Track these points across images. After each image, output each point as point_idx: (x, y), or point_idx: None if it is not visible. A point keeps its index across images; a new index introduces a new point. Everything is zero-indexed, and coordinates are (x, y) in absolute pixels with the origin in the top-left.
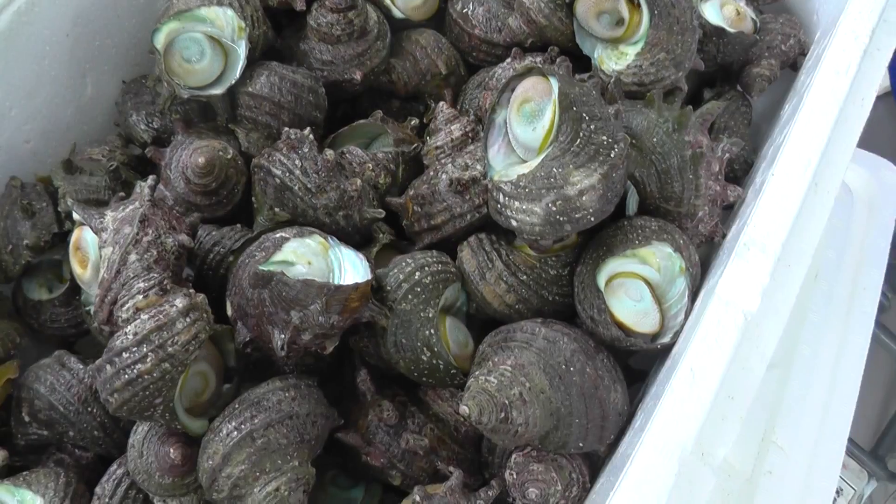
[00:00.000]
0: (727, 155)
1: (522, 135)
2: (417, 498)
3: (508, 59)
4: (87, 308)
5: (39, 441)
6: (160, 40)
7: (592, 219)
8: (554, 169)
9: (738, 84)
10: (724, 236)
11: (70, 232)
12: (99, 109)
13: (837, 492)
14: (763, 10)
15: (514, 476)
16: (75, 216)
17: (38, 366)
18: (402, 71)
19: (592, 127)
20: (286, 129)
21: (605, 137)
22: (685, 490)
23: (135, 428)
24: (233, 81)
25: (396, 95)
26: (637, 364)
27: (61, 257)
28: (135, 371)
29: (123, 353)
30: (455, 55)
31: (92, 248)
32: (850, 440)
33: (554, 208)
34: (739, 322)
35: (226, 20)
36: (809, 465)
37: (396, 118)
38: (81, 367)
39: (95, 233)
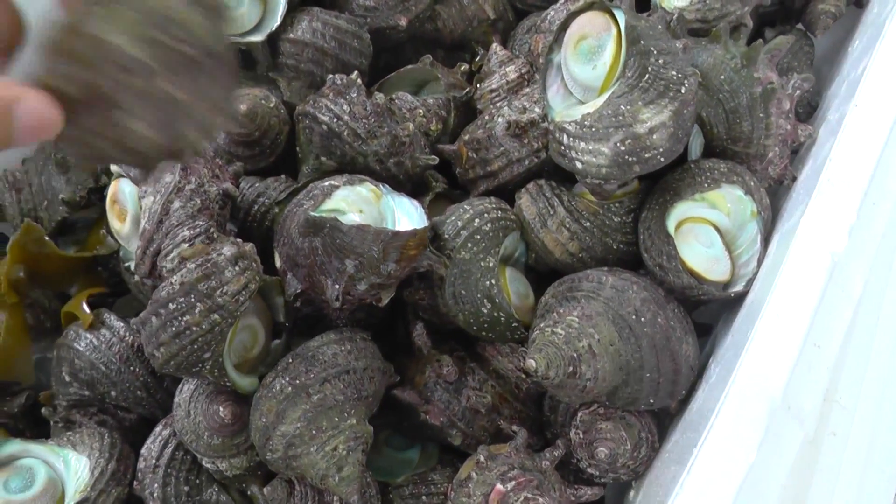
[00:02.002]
0: (798, 91)
1: (581, 74)
2: (482, 458)
3: (561, 1)
4: (127, 265)
5: (81, 401)
6: None
7: (662, 159)
8: (622, 106)
9: (799, 22)
10: (794, 179)
11: (105, 187)
12: None
13: None
14: None
15: (581, 435)
16: (113, 168)
17: (77, 324)
18: (448, 17)
19: (661, 61)
20: (331, 75)
21: (674, 72)
22: (774, 445)
23: (180, 387)
24: (273, 28)
25: (442, 44)
26: (700, 317)
27: (95, 216)
28: (182, 323)
29: (170, 304)
30: (503, 0)
31: (130, 200)
32: None
33: (622, 147)
34: (826, 263)
35: None
36: (874, 425)
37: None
38: (122, 324)
39: (135, 183)
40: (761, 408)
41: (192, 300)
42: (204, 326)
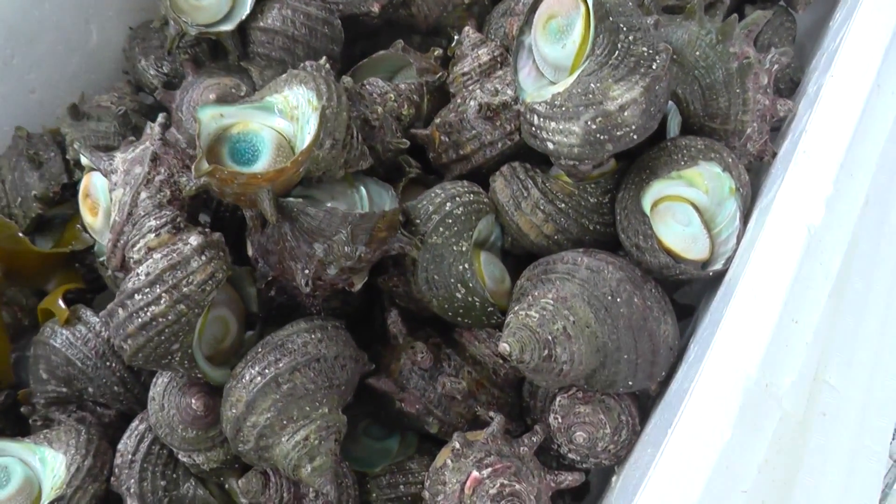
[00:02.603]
0: (776, 66)
1: (551, 53)
2: (457, 445)
3: None
4: (102, 259)
5: (59, 398)
6: None
7: (635, 136)
8: (591, 84)
9: None
10: (774, 155)
11: (79, 181)
12: (106, 57)
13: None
14: None
15: (560, 420)
16: (83, 161)
17: (53, 321)
18: (423, 3)
19: (631, 38)
20: (302, 63)
21: (645, 48)
22: (750, 423)
23: (154, 380)
24: (243, 17)
25: (417, 30)
26: (682, 298)
27: (70, 212)
28: (148, 314)
29: (136, 296)
30: None
31: (102, 194)
32: None
33: (594, 126)
34: (802, 236)
35: None
36: (864, 405)
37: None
38: (98, 320)
39: (105, 176)
40: (736, 386)
41: (158, 290)
42: (170, 317)
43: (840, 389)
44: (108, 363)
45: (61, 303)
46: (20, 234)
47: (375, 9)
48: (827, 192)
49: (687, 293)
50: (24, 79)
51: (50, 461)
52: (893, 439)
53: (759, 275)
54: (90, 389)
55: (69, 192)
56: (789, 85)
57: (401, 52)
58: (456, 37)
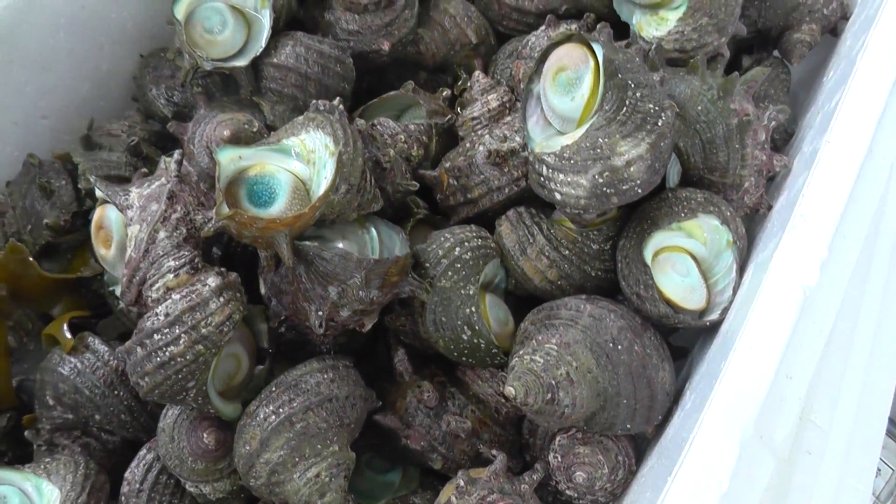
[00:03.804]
0: (773, 123)
1: (560, 105)
2: (461, 483)
3: (542, 27)
4: (112, 289)
5: (65, 425)
6: (180, 10)
7: (640, 190)
8: (600, 139)
9: (775, 50)
10: (769, 208)
11: (90, 210)
12: (116, 84)
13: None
14: None
15: (559, 459)
16: (98, 194)
17: (60, 348)
18: (431, 41)
19: (638, 94)
20: (314, 100)
21: (651, 105)
22: (746, 474)
23: (164, 412)
24: (257, 52)
25: (424, 66)
26: (677, 341)
27: (81, 239)
28: (167, 353)
29: (155, 335)
30: (485, 24)
31: (116, 227)
32: (890, 420)
33: (601, 180)
34: (798, 297)
35: None
36: (848, 444)
37: (425, 90)
38: (106, 348)
39: (121, 210)
40: (734, 438)
41: (177, 331)
42: (188, 357)
43: (825, 428)
44: (116, 392)
45: (66, 331)
46: (30, 258)
47: (386, 47)
48: (822, 255)
49: (681, 335)
50: (37, 105)
51: (46, 494)
52: (876, 477)
53: (756, 333)
54: (97, 417)
55: (79, 220)
56: (783, 136)
57: (411, 93)
58: (463, 75)
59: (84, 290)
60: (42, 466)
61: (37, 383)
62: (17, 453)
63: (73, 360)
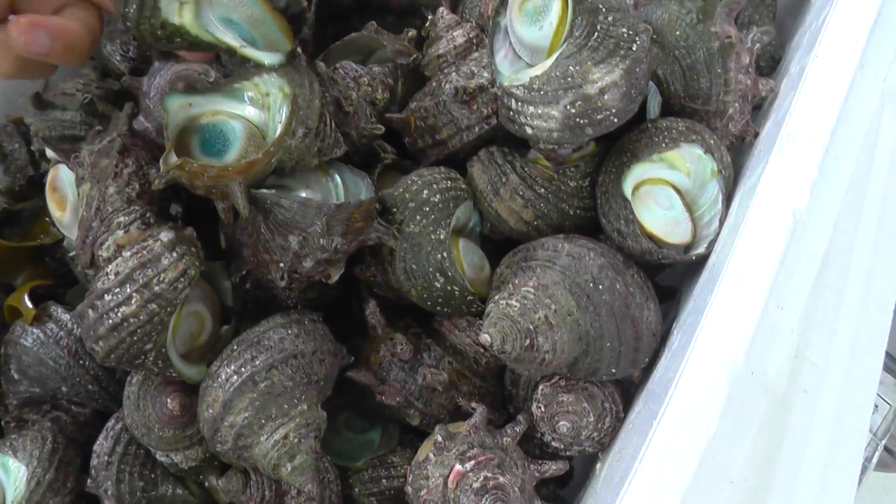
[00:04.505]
0: (758, 45)
1: (528, 35)
2: (439, 438)
3: None
4: (71, 254)
5: (32, 399)
6: None
7: (615, 119)
8: (570, 67)
9: None
10: (756, 135)
11: (47, 173)
12: None
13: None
14: None
15: (543, 409)
16: (49, 154)
17: (23, 319)
18: None
19: (610, 18)
20: None
21: (624, 29)
22: (737, 413)
23: (129, 378)
24: None
25: (391, 10)
26: (665, 280)
27: (40, 205)
28: (119, 315)
29: (106, 296)
30: None
31: (70, 187)
32: (888, 354)
33: (573, 110)
34: (787, 221)
35: None
36: (845, 381)
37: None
38: (69, 317)
39: (71, 169)
40: (722, 375)
41: (128, 290)
42: (142, 317)
43: (821, 366)
44: (81, 362)
45: (28, 301)
46: None
47: None
48: (812, 175)
49: (669, 275)
50: None
51: (13, 471)
52: (873, 413)
53: (744, 261)
54: (64, 389)
55: (36, 184)
56: (770, 63)
57: (374, 34)
58: (430, 17)
59: (47, 259)
60: (8, 443)
61: (1, 358)
62: None
63: (35, 331)
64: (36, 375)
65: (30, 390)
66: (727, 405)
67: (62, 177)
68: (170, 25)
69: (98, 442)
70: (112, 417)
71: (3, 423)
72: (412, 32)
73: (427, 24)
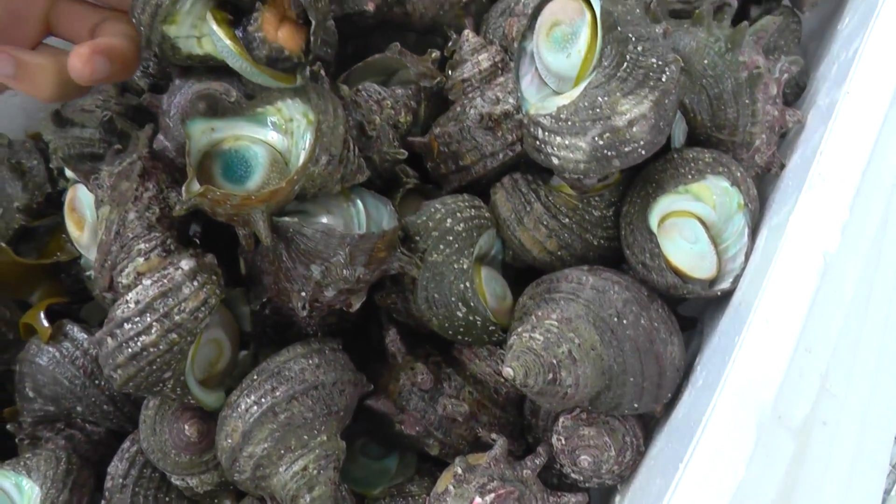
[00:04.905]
0: (786, 75)
1: (555, 63)
2: (459, 470)
3: None
4: (88, 273)
5: (47, 417)
6: None
7: (643, 152)
8: (599, 98)
9: None
10: (782, 167)
11: (65, 191)
12: None
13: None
14: None
15: (563, 441)
16: (69, 174)
17: (38, 337)
18: (418, 1)
19: (640, 48)
20: None
21: (654, 60)
22: (764, 457)
23: (145, 403)
24: None
25: (412, 28)
26: (685, 311)
27: (56, 221)
28: (139, 344)
29: (125, 325)
30: None
31: (88, 209)
32: None
33: (601, 142)
34: (818, 264)
35: None
36: (865, 413)
37: (414, 53)
38: (85, 336)
39: (91, 191)
40: (750, 420)
41: (148, 320)
42: (161, 347)
43: (841, 398)
44: (96, 382)
45: (43, 319)
46: (2, 245)
47: (370, 7)
48: (843, 217)
49: (690, 305)
50: None
51: (27, 491)
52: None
53: (773, 304)
54: (79, 408)
55: (54, 201)
56: (794, 89)
57: (397, 56)
58: (453, 36)
59: (63, 275)
60: (22, 463)
61: (16, 375)
62: (1, 447)
63: (51, 349)
64: (51, 394)
65: (44, 409)
66: (755, 451)
67: (80, 197)
68: (196, 56)
69: (113, 464)
70: (127, 439)
71: (17, 440)
72: (435, 54)
73: (450, 45)
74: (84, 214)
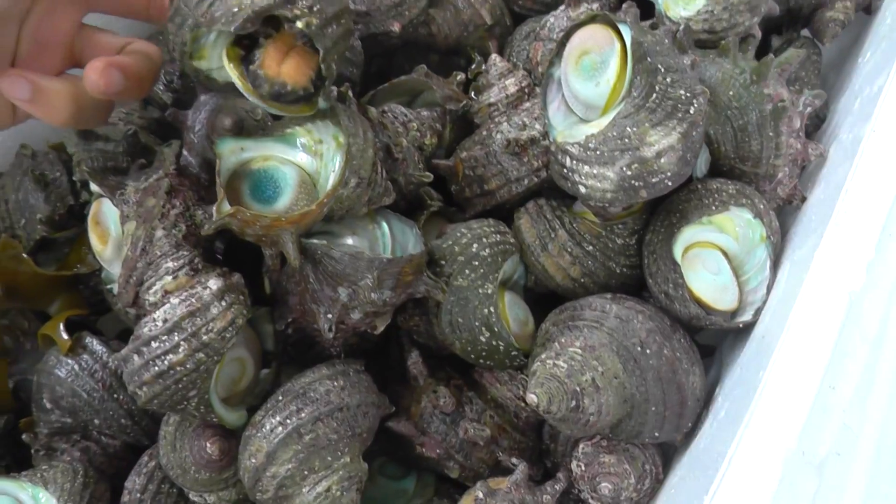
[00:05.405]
0: (809, 109)
1: (583, 91)
2: (480, 495)
3: (562, 7)
4: (109, 287)
5: (63, 429)
6: None
7: (670, 183)
8: (628, 128)
9: (805, 28)
10: (803, 199)
11: (87, 203)
12: None
13: None
14: None
15: (583, 468)
16: (93, 187)
17: (57, 349)
18: (443, 22)
19: (669, 79)
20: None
21: (682, 91)
22: (788, 493)
23: (165, 419)
24: None
25: (436, 49)
26: (702, 339)
27: (77, 233)
28: (166, 362)
29: (152, 343)
30: (500, 4)
31: (113, 223)
32: None
33: (629, 172)
34: (843, 303)
35: None
36: (879, 445)
37: (437, 73)
38: (104, 349)
39: (116, 206)
40: (776, 456)
41: (176, 339)
42: (188, 366)
43: (855, 429)
44: (115, 396)
45: (63, 331)
46: (24, 255)
47: (396, 28)
48: (869, 257)
49: (707, 333)
50: None
51: (44, 503)
52: None
53: (798, 341)
54: (96, 421)
55: (75, 213)
56: (814, 121)
57: (424, 78)
58: (477, 57)
59: (82, 287)
60: (39, 474)
61: (34, 385)
62: (15, 456)
63: (70, 362)
64: (69, 406)
65: (61, 420)
66: (780, 486)
67: (105, 211)
68: (232, 84)
69: (130, 478)
70: (145, 454)
71: (32, 450)
72: (461, 76)
73: (473, 67)
74: (108, 228)
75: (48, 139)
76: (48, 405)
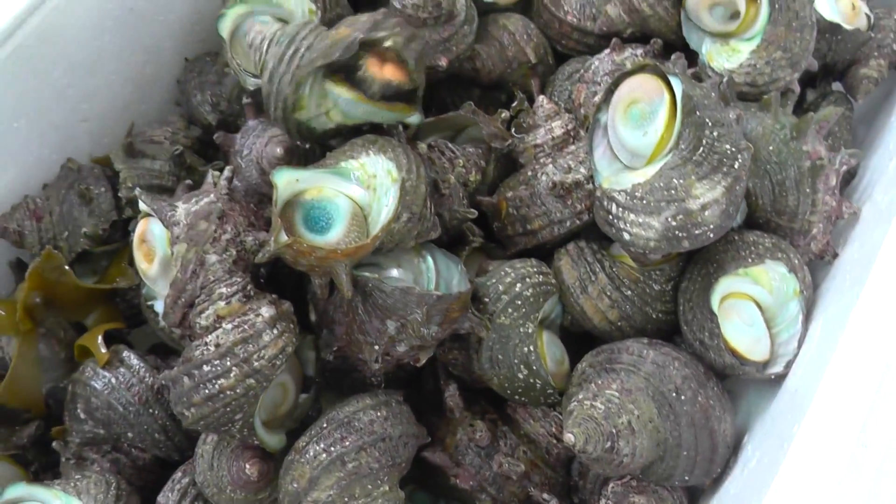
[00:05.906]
0: (845, 167)
1: (631, 139)
2: None
3: (606, 51)
4: (150, 303)
5: (95, 439)
6: (226, 27)
7: (712, 235)
8: (675, 180)
9: (839, 82)
10: (835, 256)
11: (130, 219)
12: (159, 88)
13: None
14: (872, 5)
15: None
16: (142, 206)
17: (93, 360)
18: (488, 58)
19: (715, 134)
20: None
21: (728, 146)
22: None
23: (203, 437)
24: None
25: (478, 84)
26: (725, 384)
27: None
28: (216, 386)
29: (204, 367)
30: (544, 43)
31: (160, 243)
32: None
33: (673, 223)
34: (879, 366)
35: (296, 3)
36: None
37: (478, 107)
38: (141, 364)
39: (166, 226)
40: None
41: (228, 364)
42: (238, 391)
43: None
44: (150, 410)
45: (101, 344)
46: (66, 267)
47: (444, 63)
48: None
49: (730, 380)
50: (78, 108)
51: None
52: None
53: (834, 401)
54: (129, 434)
55: (118, 229)
56: (845, 176)
57: (470, 115)
58: (518, 94)
59: (118, 300)
60: (72, 484)
61: (68, 394)
62: (42, 462)
63: (107, 374)
64: (103, 418)
65: (94, 431)
66: None
67: (153, 230)
68: (330, 131)
69: (163, 493)
70: (179, 470)
71: (63, 459)
72: (505, 114)
73: (515, 104)
74: (154, 248)
75: (92, 153)
76: (82, 415)
